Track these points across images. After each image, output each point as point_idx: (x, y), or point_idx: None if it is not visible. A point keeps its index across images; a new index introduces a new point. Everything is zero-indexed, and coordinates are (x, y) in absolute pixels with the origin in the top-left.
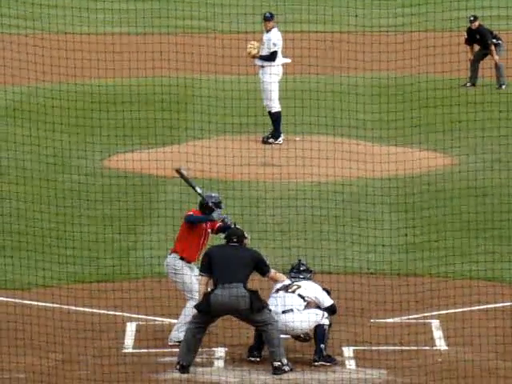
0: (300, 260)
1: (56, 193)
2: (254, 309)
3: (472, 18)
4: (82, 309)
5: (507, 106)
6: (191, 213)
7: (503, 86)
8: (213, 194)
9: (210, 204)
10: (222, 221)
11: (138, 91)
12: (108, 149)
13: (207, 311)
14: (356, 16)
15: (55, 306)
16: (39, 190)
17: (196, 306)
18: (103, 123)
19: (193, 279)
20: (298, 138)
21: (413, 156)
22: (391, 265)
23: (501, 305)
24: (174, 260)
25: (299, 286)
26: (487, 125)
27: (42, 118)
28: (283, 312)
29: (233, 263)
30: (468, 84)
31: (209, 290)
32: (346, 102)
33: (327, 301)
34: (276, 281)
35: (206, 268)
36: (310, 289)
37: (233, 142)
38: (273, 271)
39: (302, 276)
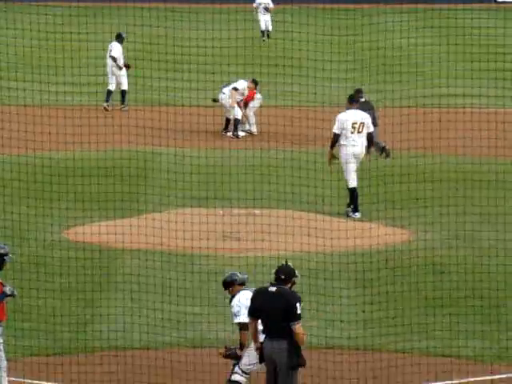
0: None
1: (14, 265)
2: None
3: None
4: (37, 382)
5: (464, 184)
6: None
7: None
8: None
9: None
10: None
11: (98, 164)
12: (66, 221)
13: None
14: (315, 93)
15: (11, 379)
16: None
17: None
18: (62, 196)
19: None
20: (257, 212)
21: (371, 232)
22: (349, 340)
23: (457, 381)
24: None
25: None
26: (445, 202)
27: (0, 190)
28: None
29: (272, 315)
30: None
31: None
32: (305, 178)
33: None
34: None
35: (253, 312)
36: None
37: (192, 216)
38: (298, 327)
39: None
